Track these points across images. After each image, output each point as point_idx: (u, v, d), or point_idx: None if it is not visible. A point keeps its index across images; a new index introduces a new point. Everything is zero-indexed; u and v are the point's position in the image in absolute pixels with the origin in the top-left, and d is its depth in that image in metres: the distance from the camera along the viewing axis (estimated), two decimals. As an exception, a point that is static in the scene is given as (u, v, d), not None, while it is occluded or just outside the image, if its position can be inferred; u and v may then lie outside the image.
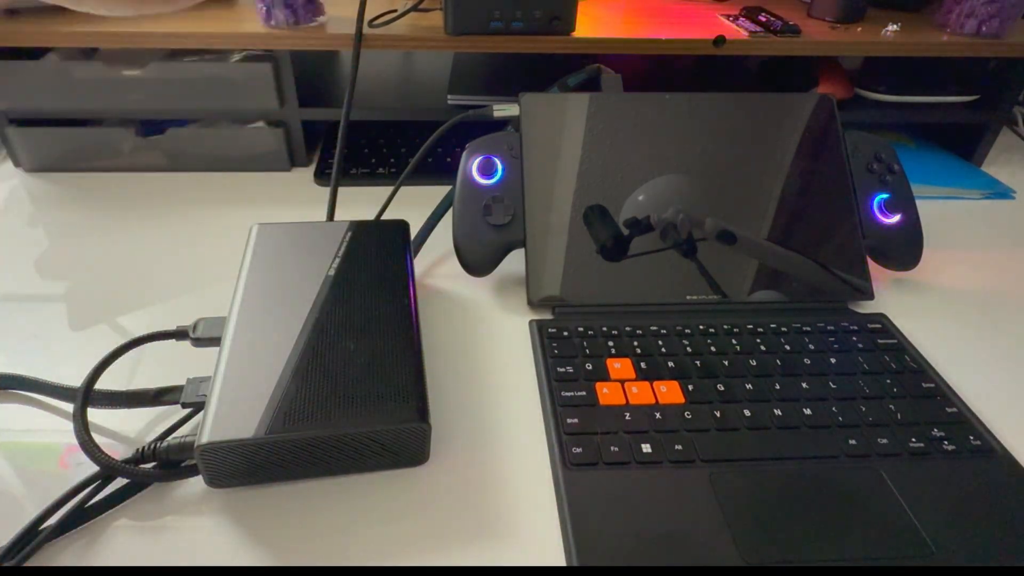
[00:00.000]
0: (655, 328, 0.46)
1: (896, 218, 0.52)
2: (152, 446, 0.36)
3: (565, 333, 0.46)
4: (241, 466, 0.35)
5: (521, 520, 0.35)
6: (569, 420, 0.40)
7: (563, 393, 0.41)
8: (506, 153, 0.51)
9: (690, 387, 0.42)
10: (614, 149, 0.52)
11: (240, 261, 0.45)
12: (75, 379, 0.39)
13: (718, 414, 0.40)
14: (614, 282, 0.49)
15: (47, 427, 0.40)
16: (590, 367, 0.43)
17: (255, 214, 0.60)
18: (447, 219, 0.52)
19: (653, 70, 0.79)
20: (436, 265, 0.55)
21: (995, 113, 0.71)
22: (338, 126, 0.58)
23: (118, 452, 0.37)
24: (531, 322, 0.48)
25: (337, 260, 0.45)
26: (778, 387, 0.42)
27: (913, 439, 0.39)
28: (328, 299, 0.41)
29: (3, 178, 0.65)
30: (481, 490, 0.37)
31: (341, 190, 0.56)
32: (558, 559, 0.33)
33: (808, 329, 0.47)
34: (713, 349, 0.45)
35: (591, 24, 0.64)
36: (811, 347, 0.45)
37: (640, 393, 0.41)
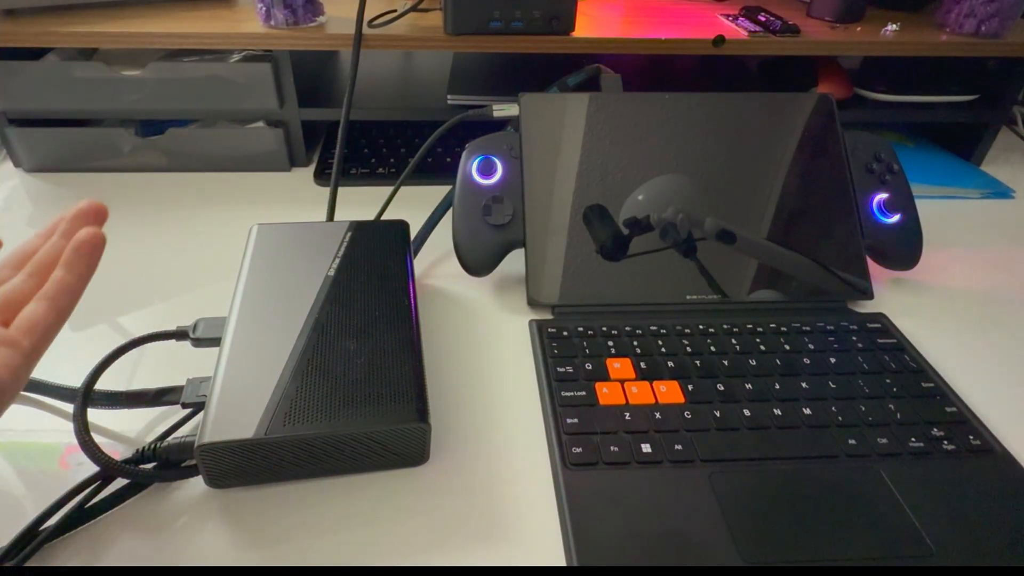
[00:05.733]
0: (655, 328, 0.46)
1: (896, 218, 0.52)
2: (152, 446, 0.36)
3: (565, 333, 0.46)
4: (241, 466, 0.35)
5: (521, 520, 0.35)
6: (569, 420, 0.40)
7: (563, 393, 0.41)
8: (506, 153, 0.51)
9: (690, 387, 0.42)
10: (614, 149, 0.52)
11: (240, 261, 0.45)
12: (75, 379, 0.39)
13: (718, 414, 0.40)
14: (614, 282, 0.49)
15: (47, 427, 0.40)
16: (590, 367, 0.43)
17: (255, 214, 0.60)
18: (447, 219, 0.52)
19: (653, 70, 0.79)
20: (436, 265, 0.55)
21: (995, 113, 0.71)
22: (338, 126, 0.58)
23: (118, 452, 0.37)
24: (531, 322, 0.48)
25: (337, 260, 0.45)
26: (778, 387, 0.42)
27: (913, 439, 0.39)
28: (328, 299, 0.41)
29: (3, 178, 0.65)
30: (481, 490, 0.37)
31: (341, 190, 0.56)
32: (558, 559, 0.33)
33: (808, 329, 0.47)
34: (713, 349, 0.45)
35: (591, 24, 0.64)
36: (811, 347, 0.45)
37: (640, 393, 0.41)
